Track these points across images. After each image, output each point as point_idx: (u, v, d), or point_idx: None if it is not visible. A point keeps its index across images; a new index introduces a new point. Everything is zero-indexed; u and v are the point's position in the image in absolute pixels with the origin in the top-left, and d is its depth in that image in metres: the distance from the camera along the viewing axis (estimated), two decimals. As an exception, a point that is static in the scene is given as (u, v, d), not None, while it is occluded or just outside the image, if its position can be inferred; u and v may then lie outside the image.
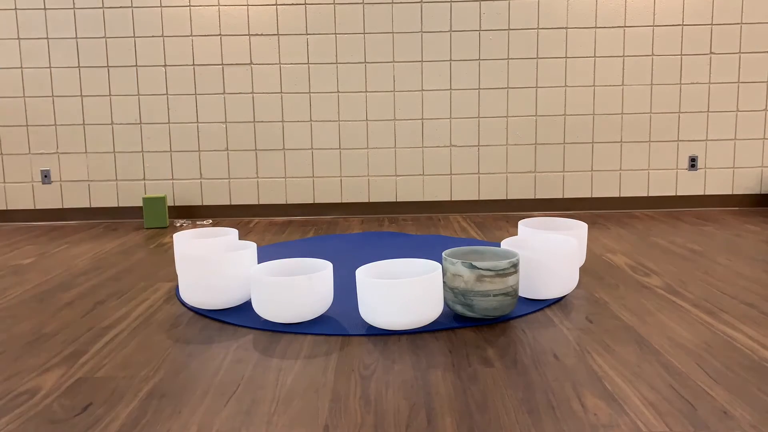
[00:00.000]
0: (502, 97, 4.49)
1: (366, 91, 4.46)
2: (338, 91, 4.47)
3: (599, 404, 1.61)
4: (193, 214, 4.58)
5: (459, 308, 2.22)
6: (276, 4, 4.38)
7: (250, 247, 2.49)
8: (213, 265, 2.33)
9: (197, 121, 4.49)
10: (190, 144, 4.51)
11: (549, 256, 2.38)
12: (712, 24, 4.42)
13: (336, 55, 4.43)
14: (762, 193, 4.60)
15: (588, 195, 4.60)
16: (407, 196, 4.55)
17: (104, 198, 4.56)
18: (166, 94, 4.46)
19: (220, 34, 4.41)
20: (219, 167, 4.54)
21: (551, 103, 4.49)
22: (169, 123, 4.49)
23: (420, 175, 4.54)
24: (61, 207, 4.57)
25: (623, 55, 4.45)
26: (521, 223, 2.89)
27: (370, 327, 2.19)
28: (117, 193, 4.56)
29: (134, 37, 4.41)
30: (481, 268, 2.15)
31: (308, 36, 4.42)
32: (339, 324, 2.23)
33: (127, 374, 1.86)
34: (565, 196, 4.60)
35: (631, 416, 1.54)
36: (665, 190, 4.59)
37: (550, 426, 1.51)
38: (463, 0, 4.38)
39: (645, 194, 4.59)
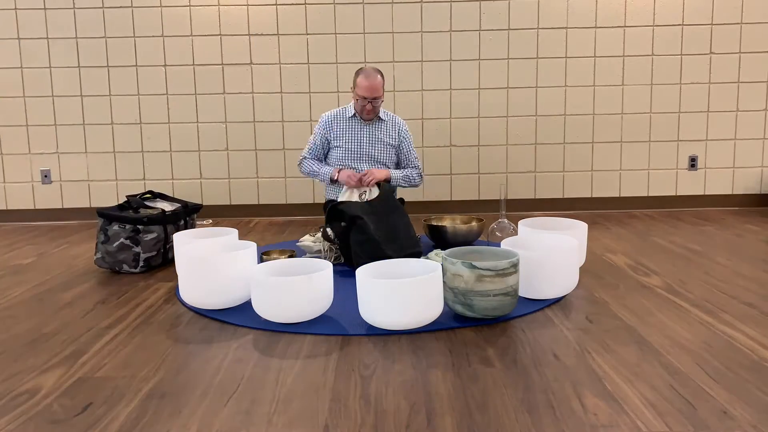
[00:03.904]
0: (502, 97, 4.48)
1: (366, 91, 4.46)
2: (338, 91, 4.47)
3: (599, 404, 1.61)
4: (193, 214, 4.58)
5: (459, 308, 2.22)
6: (276, 4, 4.38)
7: (250, 247, 2.49)
8: (213, 265, 2.33)
9: (197, 121, 4.49)
10: (190, 144, 4.51)
11: (549, 256, 2.38)
12: (712, 24, 4.42)
13: (336, 55, 4.43)
14: (762, 193, 4.60)
15: (588, 195, 4.60)
16: (408, 195, 4.54)
17: (104, 198, 4.56)
18: (166, 94, 4.46)
19: (220, 34, 4.41)
20: (219, 167, 4.54)
21: (551, 103, 4.49)
22: (169, 123, 4.49)
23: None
24: (61, 207, 4.57)
25: (623, 55, 4.45)
26: (521, 223, 2.89)
27: (370, 327, 2.19)
28: (117, 193, 4.56)
29: (134, 37, 4.41)
30: (481, 268, 2.15)
31: (308, 36, 4.42)
32: (339, 324, 2.23)
33: (127, 374, 1.86)
34: (565, 196, 4.60)
35: (631, 416, 1.54)
36: (665, 190, 4.59)
37: (550, 426, 1.51)
38: (463, 0, 4.38)
39: (645, 194, 4.59)
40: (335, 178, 3.29)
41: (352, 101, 3.35)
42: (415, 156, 3.44)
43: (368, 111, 3.24)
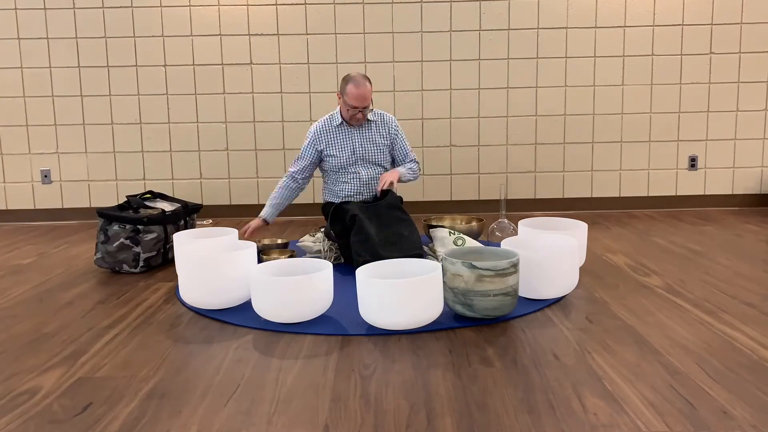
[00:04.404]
0: (502, 97, 4.48)
1: (366, 91, 4.46)
2: (338, 91, 4.46)
3: (599, 404, 1.61)
4: (193, 214, 4.58)
5: (459, 308, 2.22)
6: (276, 4, 4.38)
7: (250, 247, 2.49)
8: (213, 265, 2.33)
9: (197, 121, 4.49)
10: (190, 144, 4.51)
11: (549, 256, 2.38)
12: (712, 24, 4.41)
13: (336, 55, 4.43)
14: (762, 193, 4.60)
15: (588, 195, 4.60)
16: (408, 196, 4.54)
17: (104, 198, 4.56)
18: (166, 94, 4.46)
19: (220, 34, 4.41)
20: (219, 167, 4.54)
21: (551, 103, 4.49)
22: (169, 123, 4.49)
23: (420, 174, 4.54)
24: (61, 207, 4.57)
25: (623, 55, 4.45)
26: (521, 223, 2.89)
27: (370, 327, 2.19)
28: (117, 193, 4.56)
29: (134, 37, 4.40)
30: (481, 268, 2.15)
31: (308, 36, 4.42)
32: (339, 324, 2.23)
33: (127, 374, 1.86)
34: (565, 196, 4.60)
35: (631, 416, 1.54)
36: (665, 190, 4.59)
37: (550, 426, 1.51)
38: (463, 0, 4.38)
39: (645, 194, 4.59)
40: (245, 227, 3.29)
41: (338, 107, 3.28)
42: (410, 149, 3.39)
43: (358, 119, 3.19)
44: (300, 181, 3.34)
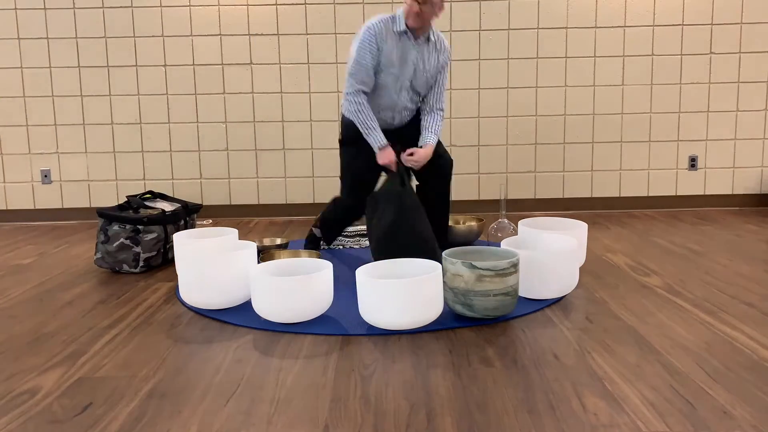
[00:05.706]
0: (502, 97, 4.48)
1: (366, 91, 4.45)
2: (338, 91, 4.46)
3: (599, 404, 1.61)
4: (193, 214, 4.58)
5: (459, 308, 2.22)
6: (276, 4, 4.38)
7: (250, 247, 2.49)
8: (213, 265, 2.33)
9: (197, 121, 4.49)
10: (190, 144, 4.51)
11: (549, 256, 2.38)
12: (712, 24, 4.41)
13: (336, 55, 4.43)
14: (762, 193, 4.59)
15: (588, 195, 4.59)
16: (407, 196, 4.54)
17: (104, 198, 4.56)
18: (166, 94, 4.46)
19: (220, 34, 4.41)
20: (219, 167, 4.54)
21: (551, 103, 4.49)
22: (169, 123, 4.49)
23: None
24: (61, 207, 4.57)
25: (623, 55, 4.45)
26: (521, 223, 2.89)
27: (370, 327, 2.19)
28: (117, 193, 4.56)
29: (134, 37, 4.40)
30: (481, 268, 2.15)
31: (308, 36, 4.42)
32: (339, 324, 2.23)
33: (127, 374, 1.86)
34: (565, 196, 4.60)
35: (631, 416, 1.54)
36: (665, 190, 4.59)
37: (550, 426, 1.51)
38: (463, 0, 4.38)
39: (645, 194, 4.59)
40: (379, 155, 2.69)
41: (403, 8, 2.64)
42: (444, 91, 2.84)
43: (415, 13, 2.53)
44: (368, 95, 2.68)
